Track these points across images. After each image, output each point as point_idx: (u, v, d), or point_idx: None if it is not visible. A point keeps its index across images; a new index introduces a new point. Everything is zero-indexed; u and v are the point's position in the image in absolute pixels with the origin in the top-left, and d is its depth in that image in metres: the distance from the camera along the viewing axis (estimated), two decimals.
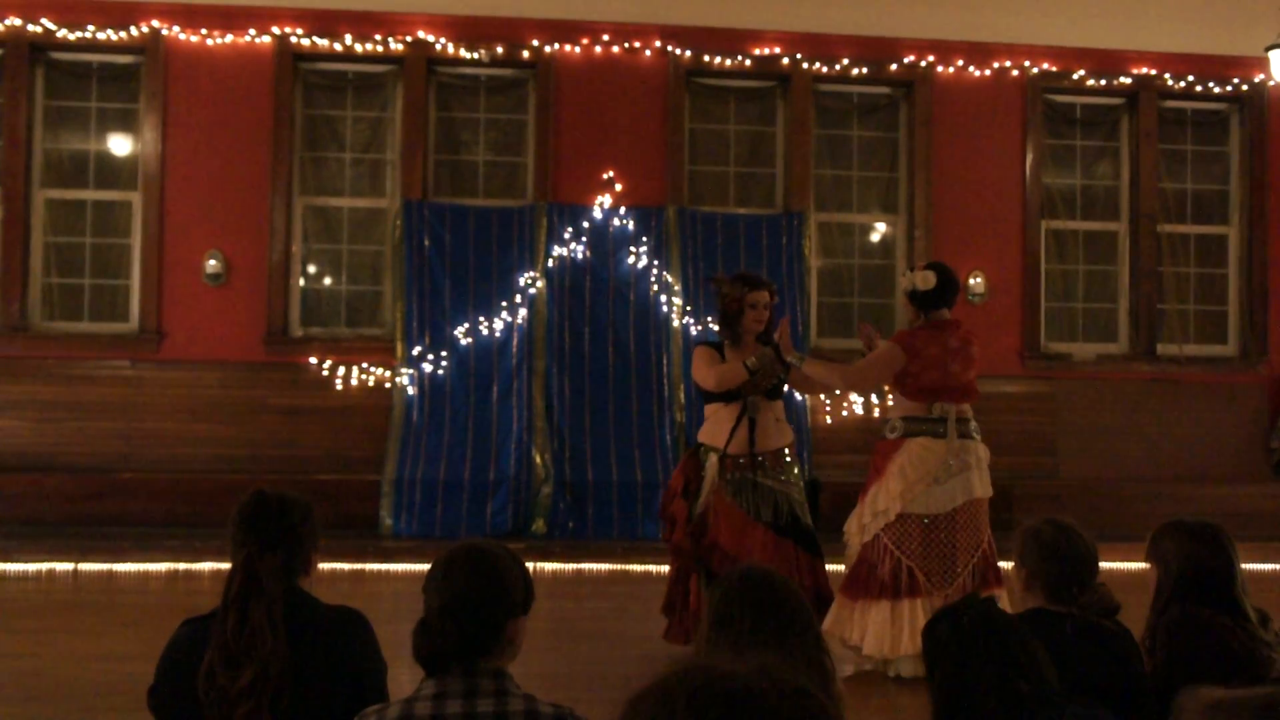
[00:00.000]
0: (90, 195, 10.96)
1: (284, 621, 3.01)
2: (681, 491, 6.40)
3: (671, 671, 1.39)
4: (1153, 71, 11.83)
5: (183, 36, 10.79)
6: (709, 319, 10.44)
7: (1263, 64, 11.07)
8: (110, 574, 8.80)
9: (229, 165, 10.83)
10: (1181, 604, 3.67)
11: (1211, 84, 11.91)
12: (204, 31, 10.80)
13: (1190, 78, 11.86)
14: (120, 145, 11.03)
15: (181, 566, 8.88)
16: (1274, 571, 9.58)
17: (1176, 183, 12.12)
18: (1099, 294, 12.01)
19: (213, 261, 10.69)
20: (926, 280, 6.32)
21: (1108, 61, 11.78)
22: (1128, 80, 11.81)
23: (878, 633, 6.07)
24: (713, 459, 6.34)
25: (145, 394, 10.60)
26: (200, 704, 2.95)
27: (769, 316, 6.46)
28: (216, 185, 10.80)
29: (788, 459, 6.40)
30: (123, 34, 10.73)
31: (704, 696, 1.33)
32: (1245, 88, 11.95)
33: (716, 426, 6.38)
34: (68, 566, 8.82)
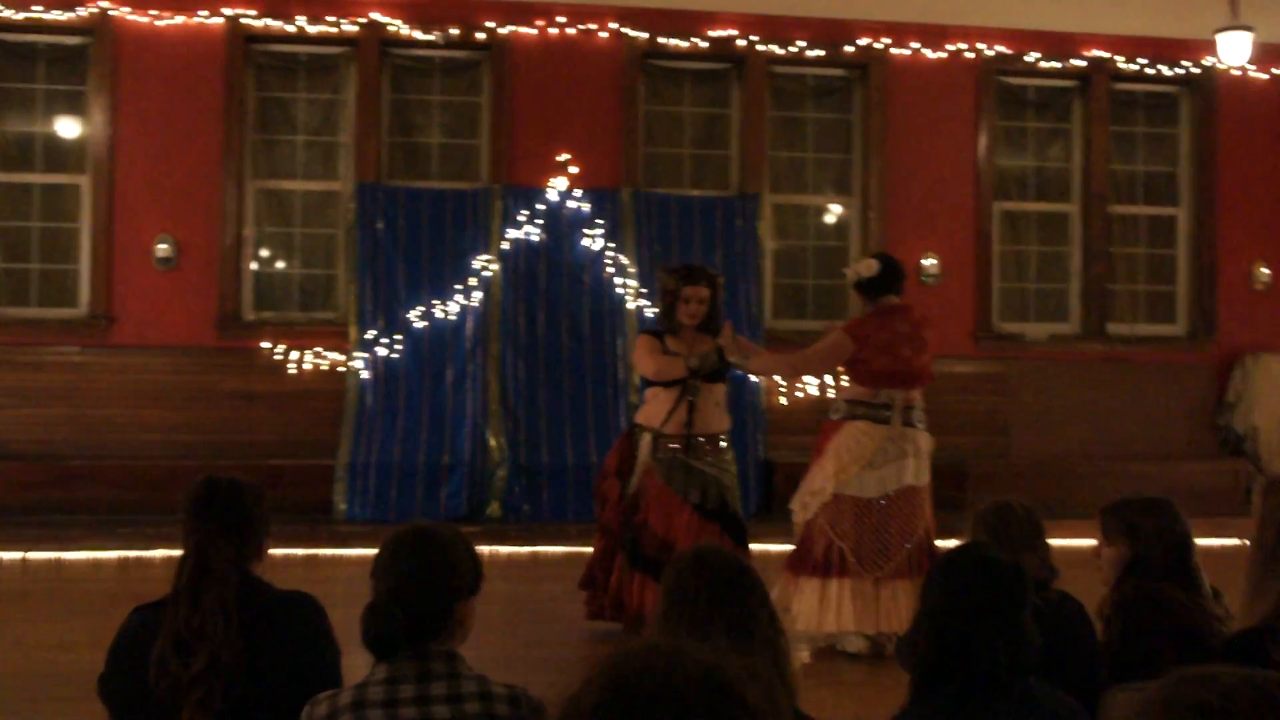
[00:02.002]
0: (38, 179, 10.80)
1: (236, 608, 2.98)
2: (615, 471, 6.53)
3: (608, 658, 1.40)
4: (1104, 54, 11.91)
5: (132, 17, 10.64)
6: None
7: (1212, 47, 11.15)
8: (59, 562, 8.71)
9: (180, 148, 10.70)
10: (1138, 579, 3.70)
11: (1162, 67, 12.01)
12: (153, 13, 10.64)
13: (1141, 60, 11.96)
14: (68, 128, 10.88)
15: (133, 554, 8.81)
16: (1222, 547, 9.68)
17: (1127, 164, 12.23)
18: (1051, 275, 12.11)
19: (163, 245, 10.57)
20: (870, 268, 6.43)
21: (1060, 44, 11.85)
22: (1080, 63, 11.89)
23: (807, 609, 6.25)
24: (646, 439, 6.43)
25: (95, 380, 10.47)
26: (152, 692, 2.93)
27: (706, 310, 6.51)
28: (167, 168, 10.68)
29: (723, 444, 6.48)
30: (70, 15, 10.56)
31: (620, 691, 1.35)
32: (1195, 71, 12.06)
33: (655, 408, 6.47)
34: (16, 555, 8.73)
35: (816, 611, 6.22)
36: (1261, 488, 3.24)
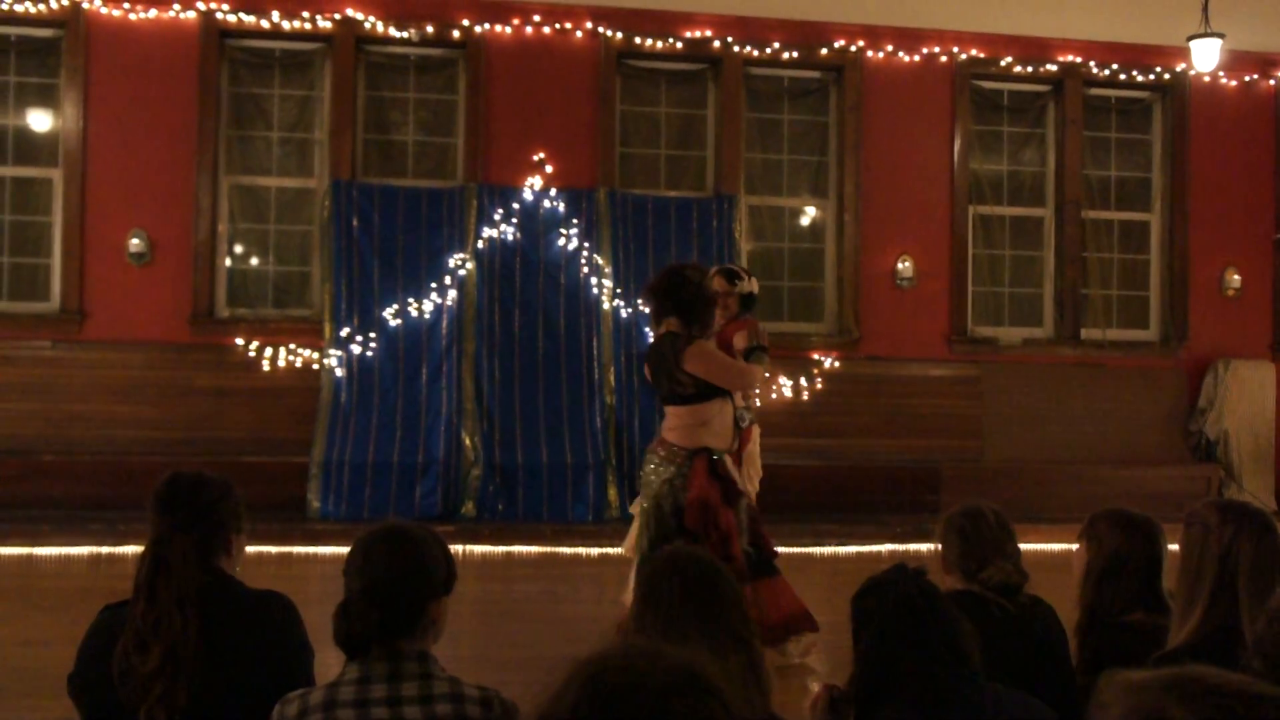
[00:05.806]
0: (9, 172, 10.71)
1: (198, 604, 2.95)
2: (721, 501, 5.71)
3: (586, 659, 1.40)
4: (1078, 59, 11.98)
5: (104, 10, 10.57)
6: (640, 302, 10.39)
7: (1185, 53, 11.22)
8: (30, 558, 8.66)
9: (153, 143, 10.64)
10: (1095, 591, 3.63)
11: (1135, 72, 12.08)
12: (126, 6, 10.58)
13: (1115, 66, 12.03)
14: (40, 121, 10.79)
15: (104, 550, 8.76)
16: None
17: (1101, 169, 12.30)
18: (1025, 279, 12.16)
19: (136, 240, 10.51)
20: (755, 285, 7.01)
21: (1034, 49, 11.91)
22: (1054, 68, 11.95)
23: None
24: (728, 461, 5.87)
25: (67, 375, 10.39)
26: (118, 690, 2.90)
27: None
28: (140, 163, 10.61)
29: None
30: (42, 6, 10.48)
31: (598, 691, 1.35)
32: (1168, 77, 12.14)
33: (719, 425, 5.83)
34: None
35: None
36: (1187, 516, 3.25)
